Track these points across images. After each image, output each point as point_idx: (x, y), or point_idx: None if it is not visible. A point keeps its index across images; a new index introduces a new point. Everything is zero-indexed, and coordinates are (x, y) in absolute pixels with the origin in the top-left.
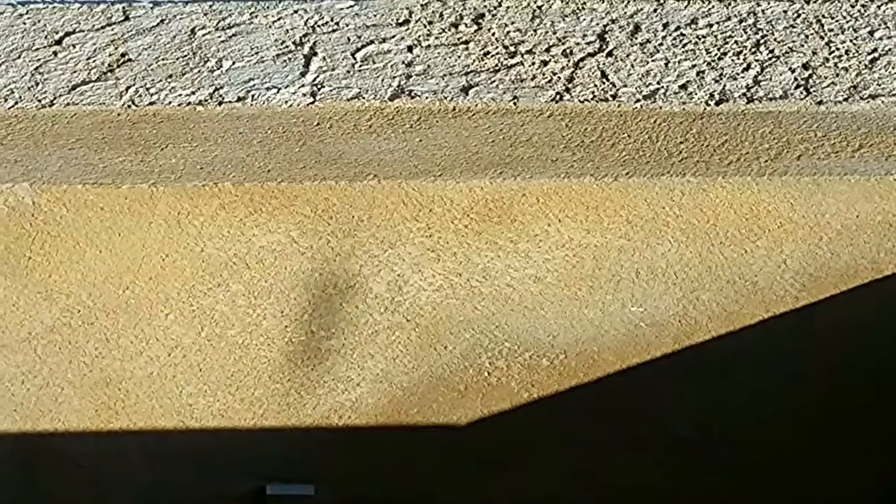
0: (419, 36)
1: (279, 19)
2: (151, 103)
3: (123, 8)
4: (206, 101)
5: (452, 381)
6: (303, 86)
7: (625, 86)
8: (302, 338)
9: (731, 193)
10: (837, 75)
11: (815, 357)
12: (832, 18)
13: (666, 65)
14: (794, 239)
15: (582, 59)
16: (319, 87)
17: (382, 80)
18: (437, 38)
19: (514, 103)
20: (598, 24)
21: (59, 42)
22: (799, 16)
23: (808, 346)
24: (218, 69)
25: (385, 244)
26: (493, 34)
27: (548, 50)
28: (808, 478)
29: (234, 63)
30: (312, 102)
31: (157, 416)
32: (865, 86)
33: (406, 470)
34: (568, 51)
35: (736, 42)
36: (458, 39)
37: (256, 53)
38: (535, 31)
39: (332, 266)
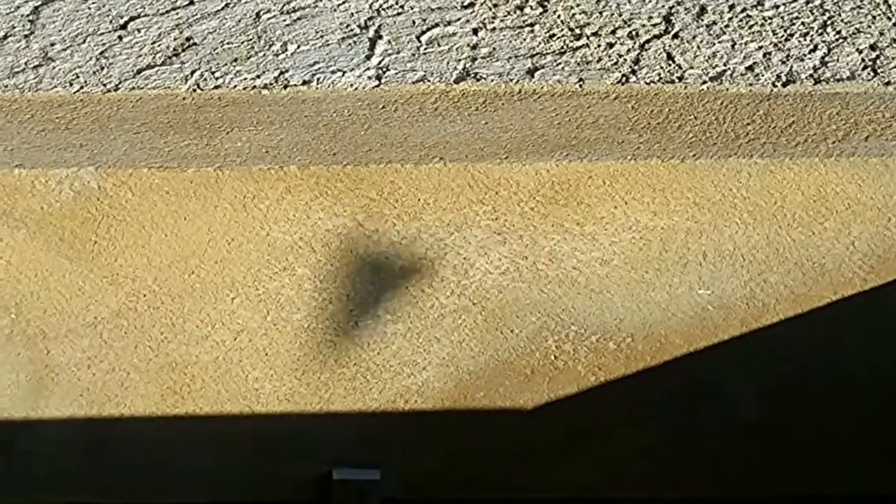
0: (484, 18)
1: (344, 2)
2: (217, 87)
3: None
4: (271, 84)
5: (519, 365)
6: (368, 69)
7: (691, 67)
8: (368, 321)
9: (798, 175)
10: None
11: (884, 339)
12: None
13: (732, 46)
14: (862, 220)
15: (648, 41)
16: (385, 70)
17: (448, 62)
18: (502, 20)
19: (580, 85)
20: (663, 5)
21: (123, 26)
22: None
23: (877, 327)
24: (283, 53)
25: (451, 227)
26: (559, 16)
27: (613, 32)
28: (876, 462)
29: (299, 46)
30: (378, 85)
31: (223, 400)
32: None
33: (472, 454)
34: (634, 33)
35: (803, 23)
36: (524, 22)
37: (322, 37)
38: (600, 13)
39: (398, 249)
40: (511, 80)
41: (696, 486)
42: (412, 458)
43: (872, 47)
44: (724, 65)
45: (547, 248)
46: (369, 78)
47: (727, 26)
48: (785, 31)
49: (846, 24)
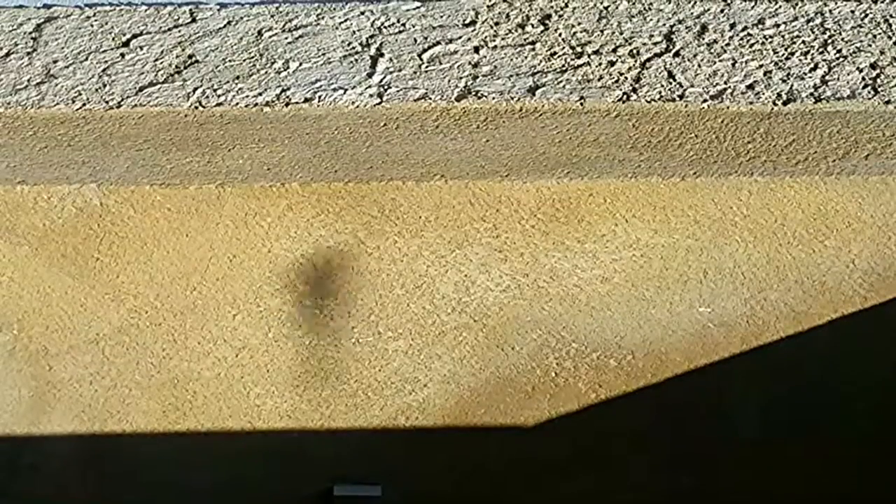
0: (486, 37)
1: (346, 20)
2: (218, 104)
3: (190, 10)
4: (273, 102)
5: (520, 382)
6: (369, 87)
7: (692, 86)
8: (369, 338)
9: (798, 193)
10: None
11: (884, 357)
12: None
13: (733, 65)
14: (862, 238)
15: (649, 60)
16: (386, 87)
17: (449, 80)
18: (503, 38)
19: (581, 103)
20: (664, 24)
21: (126, 44)
22: (866, 15)
23: (877, 346)
24: (285, 70)
25: (452, 244)
26: (560, 34)
27: (614, 50)
28: (878, 479)
29: (300, 64)
30: (379, 103)
31: (225, 416)
32: None
33: (473, 471)
34: (635, 51)
35: (803, 42)
36: (525, 40)
37: (323, 54)
38: (601, 31)
39: (399, 266)
40: (512, 98)
41: (697, 502)
42: (413, 474)
43: (873, 66)
44: (725, 83)
45: (548, 266)
46: (371, 96)
47: (728, 45)
48: (785, 49)
49: (847, 42)
